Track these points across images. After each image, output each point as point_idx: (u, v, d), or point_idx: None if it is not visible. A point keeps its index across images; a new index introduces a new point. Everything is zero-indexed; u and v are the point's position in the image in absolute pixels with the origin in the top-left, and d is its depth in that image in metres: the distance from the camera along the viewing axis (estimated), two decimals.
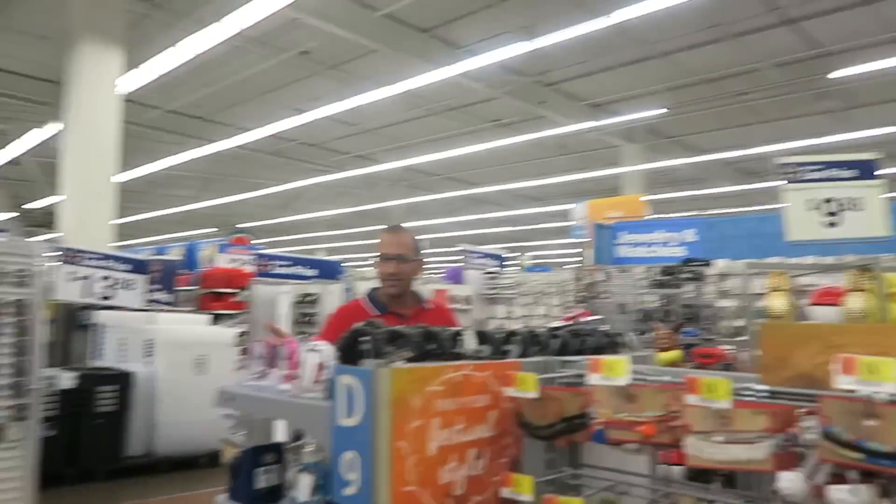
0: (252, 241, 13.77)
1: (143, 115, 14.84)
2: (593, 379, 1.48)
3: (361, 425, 1.44)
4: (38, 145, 14.94)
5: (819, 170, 4.46)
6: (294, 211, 24.80)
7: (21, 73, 13.31)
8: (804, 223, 4.38)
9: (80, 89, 9.35)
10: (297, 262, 6.99)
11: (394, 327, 1.69)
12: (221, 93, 13.95)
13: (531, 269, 15.16)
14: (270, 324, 4.95)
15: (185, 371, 7.02)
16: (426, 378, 1.53)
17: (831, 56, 11.41)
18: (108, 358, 7.57)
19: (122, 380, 6.65)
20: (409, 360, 1.60)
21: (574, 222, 14.26)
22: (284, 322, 5.98)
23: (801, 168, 4.51)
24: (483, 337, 1.78)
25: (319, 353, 1.75)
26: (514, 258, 17.22)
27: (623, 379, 1.42)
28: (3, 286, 3.10)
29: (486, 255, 9.50)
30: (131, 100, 12.16)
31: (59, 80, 10.31)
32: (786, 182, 4.54)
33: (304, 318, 6.15)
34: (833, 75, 11.32)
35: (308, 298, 6.18)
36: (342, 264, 8.45)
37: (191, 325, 8.29)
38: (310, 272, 7.01)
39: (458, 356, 1.74)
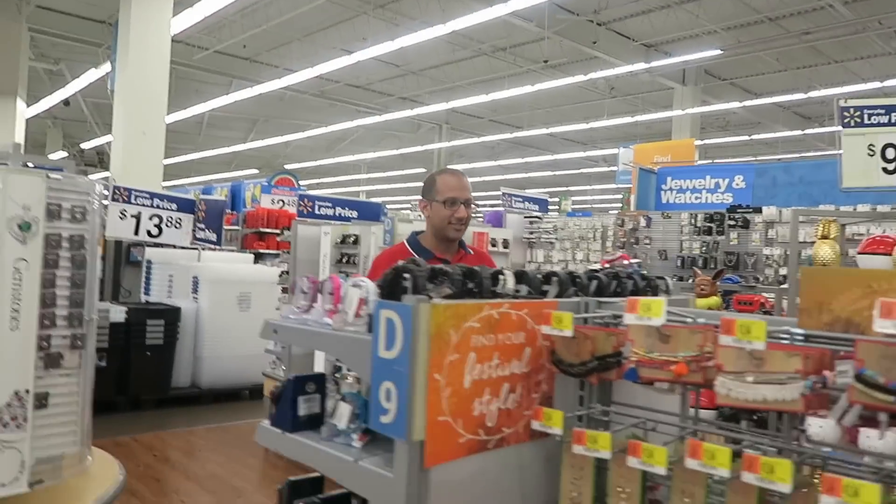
0: (297, 183, 13.94)
1: (190, 56, 14.96)
2: (629, 318, 1.50)
3: (400, 358, 1.48)
4: (89, 86, 15.23)
5: (881, 114, 4.25)
6: (338, 153, 24.92)
7: (75, 13, 13.50)
8: (861, 170, 4.22)
9: (131, 30, 9.44)
10: (339, 203, 7.06)
11: (434, 265, 1.73)
12: (268, 33, 13.92)
13: (572, 213, 14.99)
14: None
15: (228, 307, 7.28)
16: (464, 314, 1.56)
17: None
18: (156, 294, 7.87)
19: (169, 315, 6.92)
20: (449, 297, 1.64)
21: (620, 167, 14.04)
22: (326, 262, 6.10)
23: (862, 111, 4.31)
24: (522, 277, 1.80)
25: (361, 288, 1.80)
26: (555, 203, 17.05)
27: (658, 319, 1.43)
28: (61, 221, 3.21)
29: (528, 199, 9.46)
30: (179, 40, 12.26)
31: (111, 21, 10.44)
32: (845, 126, 4.35)
33: (345, 259, 6.26)
34: None
35: (349, 239, 6.27)
36: (384, 206, 8.53)
37: (235, 264, 8.54)
38: (351, 213, 7.09)
39: (497, 295, 1.77)
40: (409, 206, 20.99)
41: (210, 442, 6.03)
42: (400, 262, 1.78)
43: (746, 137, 19.43)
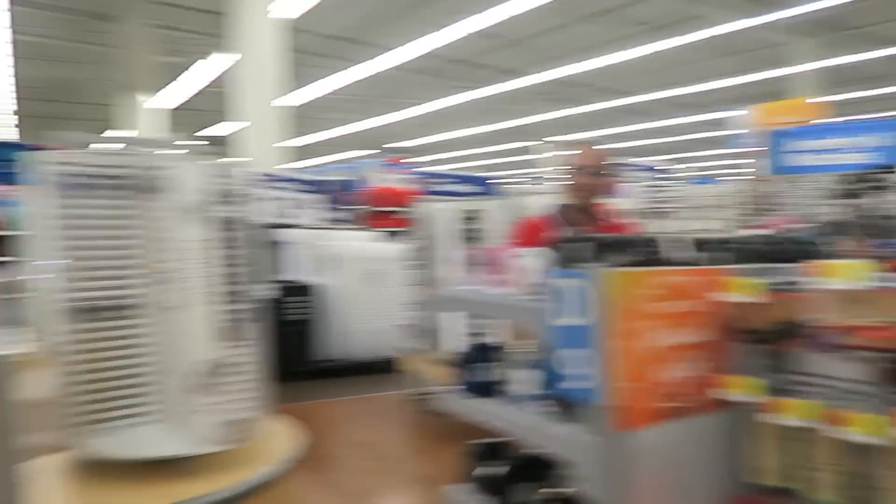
0: (414, 161, 14.21)
1: (302, 40, 15.46)
2: (822, 283, 1.51)
3: (581, 325, 1.56)
4: (207, 75, 16.05)
5: None
6: (439, 129, 25.10)
7: (185, 6, 14.20)
8: None
9: (244, 18, 9.89)
10: (459, 179, 7.20)
11: (609, 234, 1.80)
12: (371, 13, 14.15)
13: (698, 181, 14.45)
14: None
15: (362, 283, 7.61)
16: (643, 282, 1.62)
17: None
18: (292, 272, 8.31)
19: (307, 291, 7.31)
20: (625, 265, 1.71)
21: (736, 130, 13.34)
22: (454, 238, 6.26)
23: None
24: (700, 244, 1.84)
25: (535, 259, 1.90)
26: (664, 170, 16.48)
27: (859, 283, 1.43)
28: (231, 205, 3.48)
29: (638, 168, 9.24)
30: (290, 25, 12.66)
31: (222, 11, 10.97)
32: None
33: (469, 234, 6.40)
34: None
35: (471, 215, 6.41)
36: (497, 181, 8.60)
37: (366, 242, 8.89)
38: (471, 189, 7.21)
39: (671, 262, 1.82)
40: (524, 179, 20.93)
41: (353, 412, 6.32)
42: (575, 232, 1.86)
43: (880, 91, 17.91)
